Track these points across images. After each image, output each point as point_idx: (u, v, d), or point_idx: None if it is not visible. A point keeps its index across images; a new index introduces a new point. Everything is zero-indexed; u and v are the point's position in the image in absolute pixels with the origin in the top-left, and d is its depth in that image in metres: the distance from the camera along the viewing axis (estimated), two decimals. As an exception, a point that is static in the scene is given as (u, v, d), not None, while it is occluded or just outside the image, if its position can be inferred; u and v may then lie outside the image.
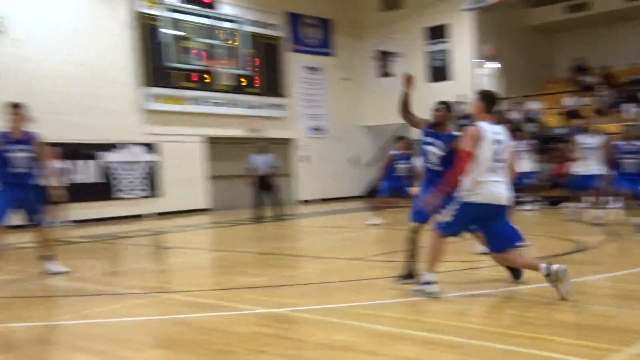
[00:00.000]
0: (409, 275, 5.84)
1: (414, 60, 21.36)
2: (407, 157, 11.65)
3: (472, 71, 20.28)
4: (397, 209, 12.06)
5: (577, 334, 4.14)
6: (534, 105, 19.51)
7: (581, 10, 21.08)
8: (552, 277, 4.81)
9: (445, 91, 20.40)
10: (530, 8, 21.27)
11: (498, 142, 5.04)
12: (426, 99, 22.30)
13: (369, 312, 4.91)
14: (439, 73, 20.89)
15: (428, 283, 5.17)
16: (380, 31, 22.10)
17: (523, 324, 4.46)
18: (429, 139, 5.88)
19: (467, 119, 18.99)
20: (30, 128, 6.98)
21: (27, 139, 6.79)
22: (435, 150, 5.82)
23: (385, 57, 22.25)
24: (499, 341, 4.04)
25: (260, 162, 14.11)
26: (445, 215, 5.14)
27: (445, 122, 5.91)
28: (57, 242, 8.44)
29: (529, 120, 18.68)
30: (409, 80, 5.86)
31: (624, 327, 4.23)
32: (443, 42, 20.78)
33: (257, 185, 14.14)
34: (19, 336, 4.71)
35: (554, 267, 4.83)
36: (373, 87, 22.49)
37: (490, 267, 6.86)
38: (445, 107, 5.97)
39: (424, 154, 5.96)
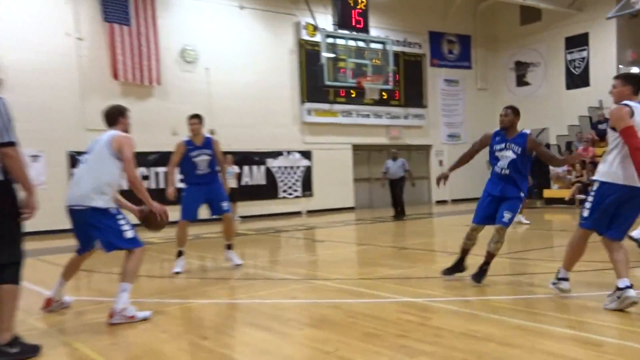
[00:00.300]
0: (452, 268, 5.91)
1: (552, 68, 20.32)
2: None
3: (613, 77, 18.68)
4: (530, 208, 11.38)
5: None
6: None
7: None
8: (619, 295, 4.37)
9: (583, 97, 19.19)
10: (675, 12, 19.11)
11: None
12: (565, 106, 21.14)
13: (505, 306, 4.71)
14: (578, 80, 19.63)
15: (562, 280, 4.84)
16: (517, 43, 21.26)
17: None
18: (500, 145, 5.67)
19: (607, 123, 17.63)
20: (208, 134, 7.27)
21: (207, 144, 7.02)
22: (508, 154, 5.60)
23: (522, 67, 21.31)
24: (637, 341, 3.69)
25: (393, 166, 14.18)
26: (584, 209, 4.68)
27: (513, 126, 5.68)
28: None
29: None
30: (444, 178, 6.07)
31: None
32: (582, 50, 19.42)
33: (391, 187, 14.33)
34: (204, 310, 5.09)
35: (631, 292, 4.32)
36: (509, 95, 21.66)
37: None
38: (512, 111, 5.69)
39: (494, 160, 5.72)
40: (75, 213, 4.61)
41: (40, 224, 13.51)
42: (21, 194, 3.77)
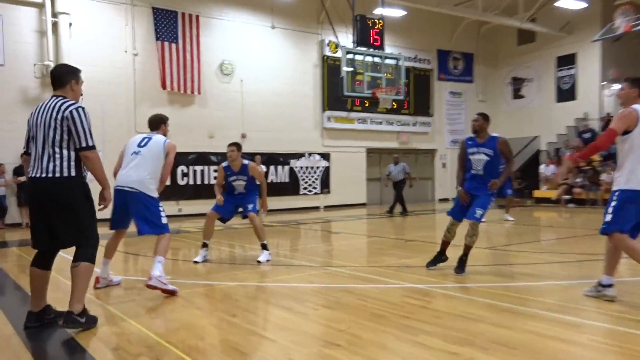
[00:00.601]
0: (435, 260, 5.87)
1: (544, 83, 20.05)
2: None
3: (598, 92, 18.46)
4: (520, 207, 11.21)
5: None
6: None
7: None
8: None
9: (571, 109, 18.93)
10: (655, 36, 18.75)
11: None
12: (554, 117, 20.85)
13: (497, 292, 4.65)
14: (566, 94, 19.35)
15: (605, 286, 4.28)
16: (514, 61, 21.02)
17: (633, 308, 3.96)
18: (472, 149, 5.61)
19: (590, 132, 17.34)
20: (245, 160, 6.80)
21: (243, 171, 6.70)
22: (480, 157, 5.54)
23: (518, 82, 21.06)
24: (611, 323, 3.64)
25: (394, 170, 14.13)
26: (607, 214, 4.18)
27: (484, 130, 5.61)
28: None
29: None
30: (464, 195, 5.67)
31: None
32: (571, 68, 19.15)
33: (394, 187, 14.27)
34: (233, 291, 5.12)
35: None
36: (506, 107, 21.45)
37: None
38: (482, 117, 5.64)
39: (469, 162, 5.64)
40: (127, 194, 4.81)
41: (99, 213, 13.80)
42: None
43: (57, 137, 3.68)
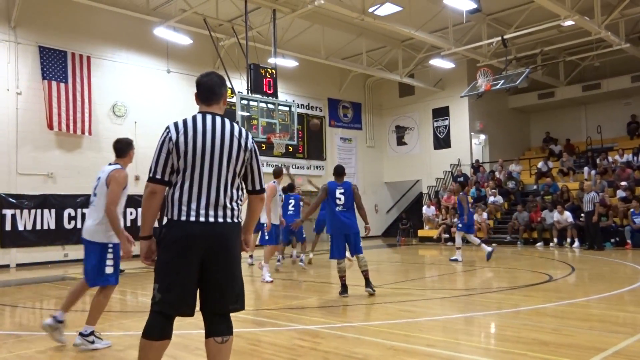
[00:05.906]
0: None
1: (423, 132, 21.61)
2: None
3: (468, 141, 20.37)
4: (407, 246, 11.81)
5: (544, 349, 3.94)
6: (515, 167, 19.28)
7: (549, 97, 21.21)
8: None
9: (447, 156, 20.54)
10: (511, 95, 21.35)
11: None
12: (433, 162, 22.33)
13: (382, 330, 4.80)
14: (442, 142, 21.03)
15: None
16: (397, 111, 22.49)
17: (502, 341, 4.31)
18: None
19: (463, 177, 18.97)
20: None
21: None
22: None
23: (401, 130, 22.54)
24: (484, 355, 3.90)
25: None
26: None
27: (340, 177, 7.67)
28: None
29: (510, 178, 18.43)
30: None
31: (581, 344, 4.06)
32: (445, 119, 20.96)
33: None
34: (119, 342, 4.73)
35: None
36: (391, 152, 22.77)
37: (482, 294, 6.69)
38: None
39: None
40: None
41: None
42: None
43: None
